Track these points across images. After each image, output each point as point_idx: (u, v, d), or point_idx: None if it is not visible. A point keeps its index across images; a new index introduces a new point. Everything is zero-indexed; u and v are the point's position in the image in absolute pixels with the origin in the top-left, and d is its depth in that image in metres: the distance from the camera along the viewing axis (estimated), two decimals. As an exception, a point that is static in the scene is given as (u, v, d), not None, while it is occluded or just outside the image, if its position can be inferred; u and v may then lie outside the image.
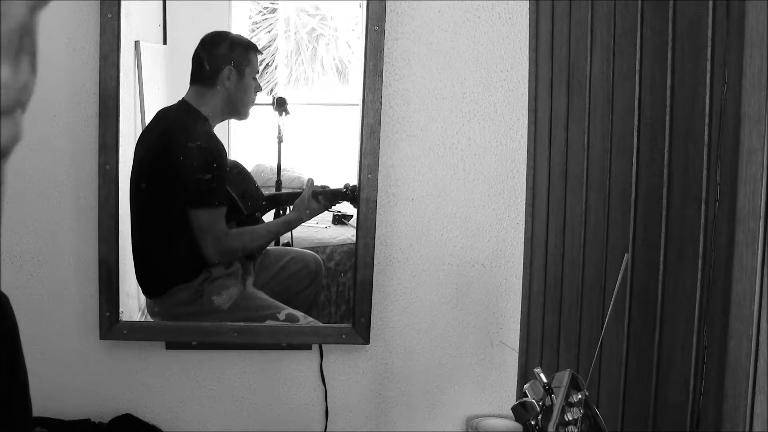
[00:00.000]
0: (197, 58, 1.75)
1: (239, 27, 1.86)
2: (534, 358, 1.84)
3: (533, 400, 1.01)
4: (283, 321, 1.81)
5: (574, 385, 1.02)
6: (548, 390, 1.01)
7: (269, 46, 1.90)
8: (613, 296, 1.09)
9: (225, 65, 1.75)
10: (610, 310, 1.14)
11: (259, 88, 1.80)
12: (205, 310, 1.79)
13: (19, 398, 0.67)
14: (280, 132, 1.85)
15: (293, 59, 1.92)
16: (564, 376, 1.02)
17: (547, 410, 0.99)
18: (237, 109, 1.79)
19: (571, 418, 0.97)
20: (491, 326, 1.91)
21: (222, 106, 1.77)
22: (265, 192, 1.88)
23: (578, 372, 1.53)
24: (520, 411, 1.01)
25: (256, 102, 1.80)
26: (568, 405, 0.99)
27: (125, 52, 1.67)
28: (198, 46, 1.74)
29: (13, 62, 0.30)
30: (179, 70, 1.77)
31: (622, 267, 1.13)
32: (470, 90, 1.83)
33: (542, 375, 1.02)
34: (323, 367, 1.87)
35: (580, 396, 1.00)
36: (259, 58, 1.80)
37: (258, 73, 1.79)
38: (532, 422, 1.00)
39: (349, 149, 1.81)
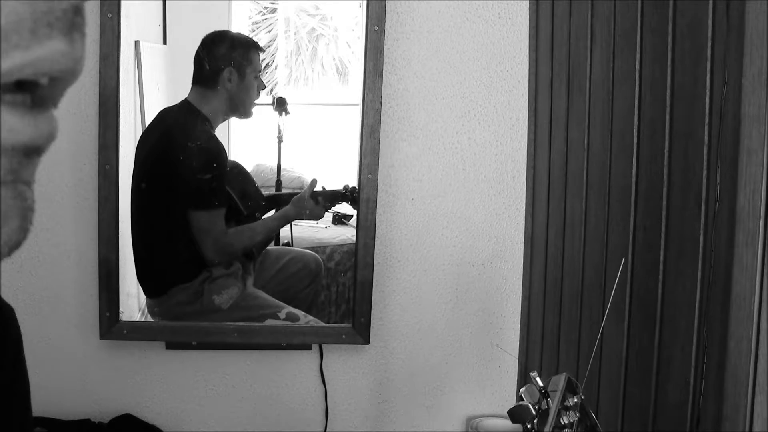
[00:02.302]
0: (198, 59, 1.74)
1: (239, 27, 1.86)
2: (534, 358, 1.84)
3: (529, 404, 1.01)
4: (284, 320, 1.81)
5: (570, 389, 1.02)
6: (544, 393, 1.01)
7: (269, 46, 1.90)
8: (610, 300, 1.09)
9: (225, 66, 1.74)
10: (605, 314, 1.14)
11: (262, 86, 1.79)
12: (206, 309, 1.79)
13: (20, 412, 0.66)
14: (280, 132, 1.85)
15: (293, 59, 1.92)
16: (560, 380, 1.03)
17: (543, 414, 0.99)
18: (239, 108, 1.79)
19: (567, 422, 0.97)
20: (491, 326, 1.91)
21: (224, 106, 1.77)
22: (265, 192, 1.88)
23: (578, 372, 1.53)
24: (517, 414, 1.01)
25: (256, 102, 1.80)
26: (564, 408, 0.99)
27: (125, 52, 1.67)
28: (199, 47, 1.74)
29: (68, 37, 0.32)
30: (179, 70, 1.77)
31: (620, 271, 1.13)
32: (470, 90, 1.83)
33: (538, 379, 1.03)
34: (323, 367, 1.87)
35: (576, 399, 1.00)
36: (261, 56, 1.79)
37: (260, 71, 1.79)
38: (529, 426, 1.00)
39: (349, 149, 1.81)
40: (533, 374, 1.03)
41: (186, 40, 1.76)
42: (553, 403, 0.99)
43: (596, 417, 1.05)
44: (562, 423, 0.97)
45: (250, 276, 1.86)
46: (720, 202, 1.05)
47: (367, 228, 1.78)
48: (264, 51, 1.81)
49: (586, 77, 1.53)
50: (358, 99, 1.75)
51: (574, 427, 0.96)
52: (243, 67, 1.75)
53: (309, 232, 1.94)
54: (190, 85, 1.76)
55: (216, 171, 1.77)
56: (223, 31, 1.79)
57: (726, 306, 1.02)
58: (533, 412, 1.00)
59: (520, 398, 1.03)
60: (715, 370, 1.06)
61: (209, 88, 1.75)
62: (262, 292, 1.86)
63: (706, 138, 1.09)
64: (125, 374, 1.83)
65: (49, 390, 1.78)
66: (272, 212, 1.89)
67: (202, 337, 1.79)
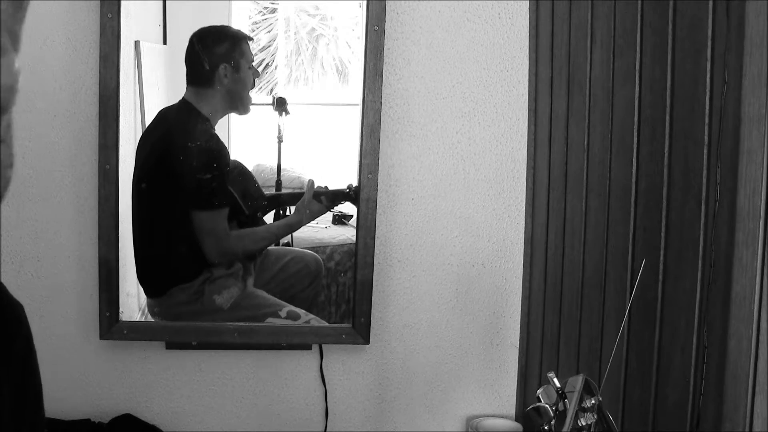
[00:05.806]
0: (190, 60, 1.74)
1: (239, 27, 1.86)
2: (534, 358, 1.84)
3: (546, 405, 1.01)
4: (285, 318, 1.81)
5: (588, 390, 1.01)
6: (561, 395, 1.01)
7: (269, 46, 1.90)
8: (629, 302, 1.08)
9: (219, 63, 1.74)
10: (625, 319, 1.14)
11: (257, 74, 1.79)
12: (206, 309, 1.79)
13: (32, 407, 0.66)
14: (280, 132, 1.85)
15: (293, 59, 1.92)
16: (577, 381, 1.02)
17: (561, 415, 0.99)
18: (237, 103, 1.79)
19: (584, 424, 0.97)
20: (491, 326, 1.91)
21: (222, 103, 1.77)
22: (265, 192, 1.88)
23: (578, 371, 1.53)
24: (534, 416, 1.01)
25: (256, 102, 1.80)
26: (581, 410, 0.98)
27: (125, 52, 1.67)
28: (188, 47, 1.73)
29: None
30: (179, 70, 1.76)
31: (640, 273, 1.13)
32: (470, 90, 1.83)
33: (556, 380, 1.02)
34: (323, 367, 1.87)
35: (593, 401, 1.00)
36: (252, 47, 1.79)
37: (253, 60, 1.79)
38: (546, 427, 0.99)
39: (349, 149, 1.81)
40: (551, 375, 1.03)
41: (186, 40, 1.75)
42: (571, 405, 0.98)
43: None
44: (580, 425, 0.96)
45: (251, 276, 1.86)
46: (720, 202, 1.05)
47: (367, 228, 1.78)
48: (252, 39, 1.80)
49: (586, 77, 1.53)
50: (358, 99, 1.75)
51: (592, 428, 0.96)
52: (237, 60, 1.75)
53: (309, 232, 1.94)
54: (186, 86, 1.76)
55: (216, 171, 1.77)
56: (211, 28, 1.77)
57: (726, 306, 1.02)
58: (551, 413, 0.99)
59: (537, 399, 1.02)
60: (715, 370, 1.06)
61: (206, 87, 1.75)
62: (262, 292, 1.86)
63: (706, 138, 1.09)
64: (125, 374, 1.83)
65: (49, 390, 1.76)
66: (273, 213, 1.89)
67: (202, 337, 1.79)
